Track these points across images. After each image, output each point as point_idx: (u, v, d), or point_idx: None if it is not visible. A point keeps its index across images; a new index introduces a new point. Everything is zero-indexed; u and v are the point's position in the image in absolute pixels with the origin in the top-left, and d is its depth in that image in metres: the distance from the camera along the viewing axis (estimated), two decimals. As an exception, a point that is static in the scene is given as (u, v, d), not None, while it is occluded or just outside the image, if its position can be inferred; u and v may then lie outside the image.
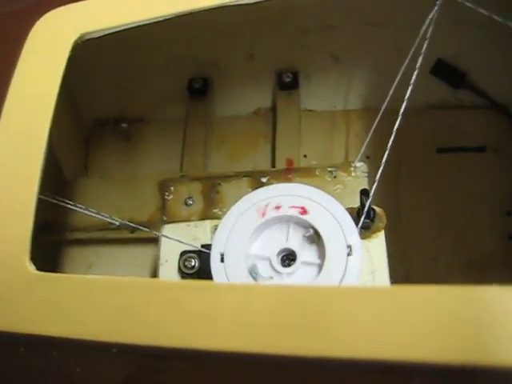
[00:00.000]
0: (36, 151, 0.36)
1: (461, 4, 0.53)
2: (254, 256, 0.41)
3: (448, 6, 0.54)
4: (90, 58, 0.58)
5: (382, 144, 0.52)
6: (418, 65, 0.43)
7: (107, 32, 0.36)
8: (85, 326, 0.26)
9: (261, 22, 0.58)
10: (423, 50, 0.45)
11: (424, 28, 0.46)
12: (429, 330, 0.25)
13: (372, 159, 0.57)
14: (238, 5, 0.39)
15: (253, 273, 0.39)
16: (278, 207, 0.40)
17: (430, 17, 0.43)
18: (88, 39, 0.36)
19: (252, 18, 0.57)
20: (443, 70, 0.60)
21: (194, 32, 0.59)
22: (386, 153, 0.41)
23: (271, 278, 0.39)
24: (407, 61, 0.46)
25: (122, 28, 0.37)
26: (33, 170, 0.35)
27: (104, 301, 0.27)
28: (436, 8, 0.42)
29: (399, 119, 0.42)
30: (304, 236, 0.40)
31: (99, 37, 0.36)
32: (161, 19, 0.37)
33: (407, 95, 0.43)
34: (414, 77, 0.43)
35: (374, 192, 0.42)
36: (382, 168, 0.42)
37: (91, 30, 0.35)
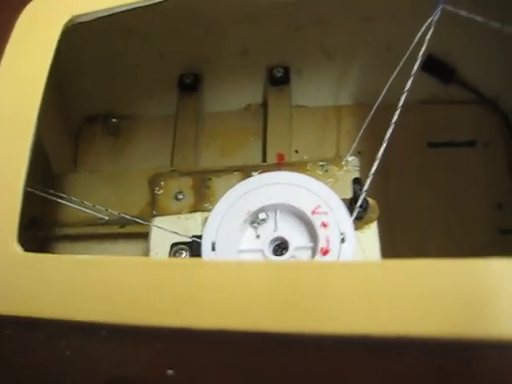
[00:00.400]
0: (23, 140, 0.35)
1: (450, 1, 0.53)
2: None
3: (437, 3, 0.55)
4: (80, 52, 0.58)
5: (374, 139, 0.52)
6: (416, 67, 0.43)
7: (99, 15, 0.36)
8: (73, 307, 0.25)
9: (252, 17, 0.58)
10: (421, 54, 0.44)
11: (420, 34, 0.45)
12: (421, 303, 0.25)
13: (363, 154, 0.57)
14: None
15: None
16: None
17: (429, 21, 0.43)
18: (79, 23, 0.36)
19: (243, 13, 0.57)
20: (434, 66, 0.60)
21: (186, 27, 0.59)
22: (383, 145, 0.41)
23: None
24: (403, 60, 0.45)
25: (114, 11, 0.36)
26: (21, 156, 0.35)
27: (92, 280, 0.26)
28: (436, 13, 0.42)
29: (398, 112, 0.42)
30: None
31: (91, 20, 0.36)
32: (151, 2, 0.37)
33: (406, 89, 0.43)
34: (413, 73, 0.43)
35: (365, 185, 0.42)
36: (377, 161, 0.42)
37: (82, 12, 0.35)
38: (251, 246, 0.41)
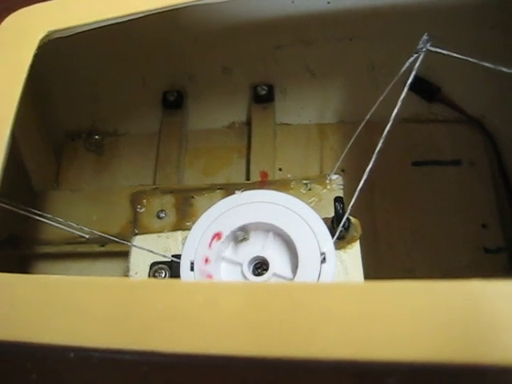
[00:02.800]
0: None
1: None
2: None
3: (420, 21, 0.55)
4: (62, 67, 0.58)
5: (357, 157, 0.52)
6: (404, 93, 0.43)
7: (76, 30, 0.35)
8: (41, 329, 0.24)
9: (235, 35, 0.58)
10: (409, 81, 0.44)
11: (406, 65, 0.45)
12: (404, 326, 0.24)
13: (347, 172, 0.57)
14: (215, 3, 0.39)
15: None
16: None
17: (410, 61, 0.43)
18: (56, 38, 0.35)
19: (225, 31, 0.57)
20: (417, 84, 0.60)
21: (168, 43, 0.58)
22: (371, 163, 0.41)
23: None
24: (394, 81, 0.45)
25: (92, 27, 0.36)
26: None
27: (62, 301, 0.25)
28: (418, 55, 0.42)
29: (387, 129, 0.42)
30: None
31: (68, 36, 0.35)
32: (128, 18, 0.37)
33: (396, 109, 0.42)
34: (403, 93, 0.43)
35: (349, 203, 0.42)
36: (364, 178, 0.41)
37: (60, 27, 0.34)
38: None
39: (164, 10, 0.40)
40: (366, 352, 0.23)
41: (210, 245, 0.39)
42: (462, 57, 0.41)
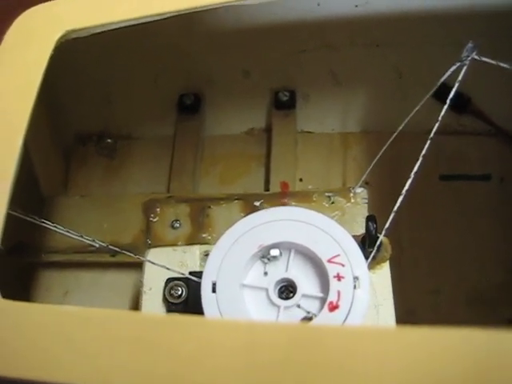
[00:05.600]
0: (8, 159, 0.32)
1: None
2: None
3: (447, 27, 0.53)
4: (74, 67, 0.55)
5: (382, 169, 0.50)
6: (446, 107, 0.41)
7: (94, 31, 0.33)
8: (52, 367, 0.22)
9: (257, 37, 0.55)
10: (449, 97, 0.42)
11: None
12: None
13: (371, 185, 0.54)
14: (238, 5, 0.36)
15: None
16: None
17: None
18: (74, 38, 0.32)
19: (245, 33, 0.55)
20: (446, 95, 0.57)
21: (187, 45, 0.56)
22: (407, 185, 0.38)
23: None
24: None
25: (110, 27, 0.33)
26: (5, 178, 0.31)
27: (71, 337, 0.22)
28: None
29: (427, 145, 0.40)
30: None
31: (86, 36, 0.33)
32: (151, 19, 0.34)
33: (435, 128, 0.40)
34: (443, 110, 0.41)
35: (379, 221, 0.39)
36: (401, 197, 0.39)
37: (78, 27, 0.32)
38: (256, 282, 0.37)
39: (186, 12, 0.37)
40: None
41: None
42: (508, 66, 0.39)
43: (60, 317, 0.24)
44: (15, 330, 0.23)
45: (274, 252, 0.37)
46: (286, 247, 0.37)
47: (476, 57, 0.38)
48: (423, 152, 0.37)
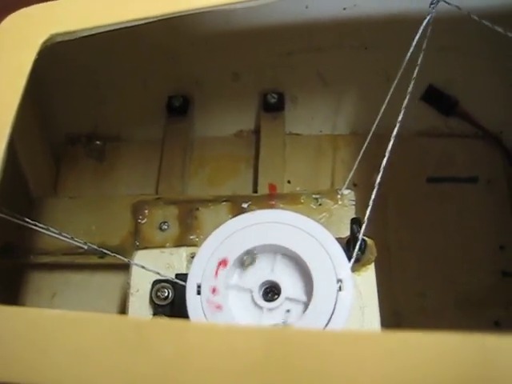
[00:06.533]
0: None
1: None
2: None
3: (435, 30, 0.53)
4: (62, 68, 0.55)
5: (370, 171, 0.50)
6: (410, 89, 0.41)
7: (79, 34, 0.33)
8: (35, 371, 0.22)
9: (245, 39, 0.55)
10: (414, 75, 0.43)
11: (411, 49, 0.43)
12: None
13: (359, 187, 0.55)
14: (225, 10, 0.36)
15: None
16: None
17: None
18: (58, 41, 0.32)
19: (236, 36, 0.55)
20: (434, 97, 0.58)
21: (176, 47, 0.56)
22: (378, 179, 0.39)
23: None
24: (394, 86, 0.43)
25: (96, 31, 0.33)
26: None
27: (58, 341, 0.22)
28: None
29: (391, 143, 0.40)
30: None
31: (71, 39, 0.33)
32: (138, 23, 0.34)
33: (399, 119, 0.40)
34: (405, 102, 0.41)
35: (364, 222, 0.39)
36: (373, 197, 0.39)
37: (63, 30, 0.32)
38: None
39: (172, 16, 0.37)
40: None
41: (216, 274, 0.36)
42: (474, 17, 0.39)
43: (46, 320, 0.24)
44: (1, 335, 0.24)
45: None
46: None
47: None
48: (388, 150, 0.37)
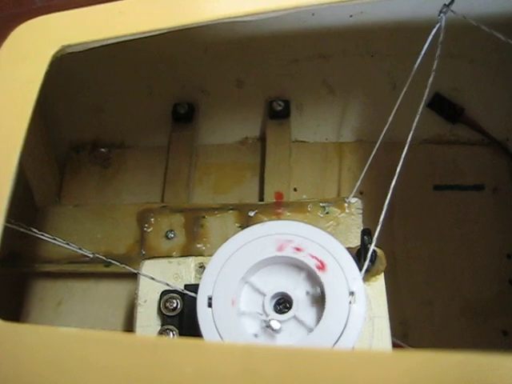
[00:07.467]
0: (5, 174, 0.32)
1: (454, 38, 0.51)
2: (250, 283, 0.37)
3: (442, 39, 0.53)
4: (67, 76, 0.55)
5: (377, 179, 0.50)
6: (424, 102, 0.41)
7: (89, 46, 0.32)
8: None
9: (251, 46, 0.55)
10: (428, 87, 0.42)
11: (420, 57, 0.43)
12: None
13: (366, 195, 0.55)
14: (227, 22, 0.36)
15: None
16: (298, 249, 0.36)
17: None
18: (69, 52, 0.32)
19: (241, 43, 0.55)
20: (440, 104, 0.58)
21: (181, 55, 0.56)
22: (391, 190, 0.38)
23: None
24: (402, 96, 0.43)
25: (105, 42, 0.33)
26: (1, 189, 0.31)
27: (72, 361, 0.22)
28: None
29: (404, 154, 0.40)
30: (307, 293, 0.36)
31: (82, 51, 0.33)
32: (147, 35, 0.34)
33: (412, 129, 0.40)
34: (419, 111, 0.41)
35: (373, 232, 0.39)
36: (385, 209, 0.39)
37: (73, 42, 0.32)
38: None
39: (181, 28, 0.37)
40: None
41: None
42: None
43: (58, 338, 0.23)
44: (7, 352, 0.23)
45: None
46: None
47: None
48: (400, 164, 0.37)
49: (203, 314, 0.35)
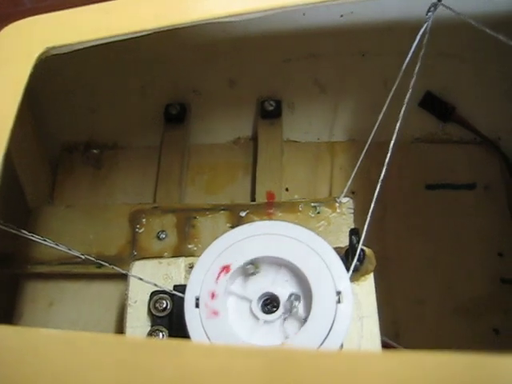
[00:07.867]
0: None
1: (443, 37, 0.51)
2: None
3: (432, 37, 0.53)
4: (58, 77, 0.55)
5: (368, 178, 0.50)
6: (406, 103, 0.41)
7: (74, 48, 0.33)
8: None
9: (242, 46, 0.55)
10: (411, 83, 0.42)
11: (408, 57, 0.43)
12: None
13: (357, 194, 0.55)
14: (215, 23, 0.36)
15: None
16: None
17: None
18: (54, 54, 0.32)
19: (232, 43, 0.55)
20: (431, 103, 0.58)
21: (173, 55, 0.56)
22: (375, 196, 0.39)
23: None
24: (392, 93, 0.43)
25: (91, 44, 0.33)
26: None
27: (51, 362, 0.22)
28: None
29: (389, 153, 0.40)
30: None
31: (66, 52, 0.33)
32: (130, 36, 0.34)
33: (396, 129, 0.40)
34: (401, 113, 0.41)
35: (362, 231, 0.39)
36: (372, 206, 0.39)
37: (59, 44, 0.32)
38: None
39: (169, 28, 0.37)
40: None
41: (217, 278, 0.36)
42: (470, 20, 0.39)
43: (41, 340, 0.23)
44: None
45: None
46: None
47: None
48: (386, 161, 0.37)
49: (191, 314, 0.35)
